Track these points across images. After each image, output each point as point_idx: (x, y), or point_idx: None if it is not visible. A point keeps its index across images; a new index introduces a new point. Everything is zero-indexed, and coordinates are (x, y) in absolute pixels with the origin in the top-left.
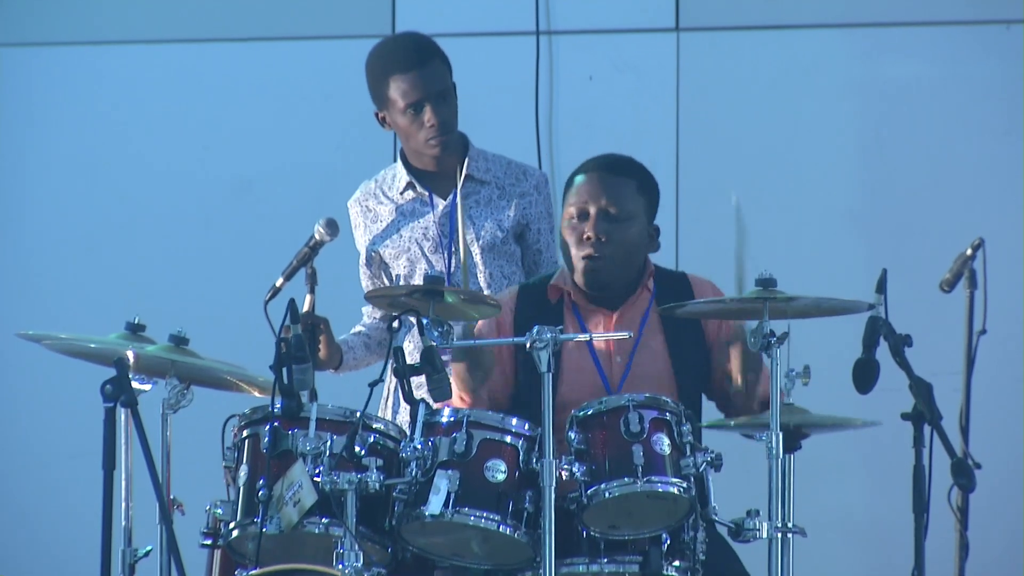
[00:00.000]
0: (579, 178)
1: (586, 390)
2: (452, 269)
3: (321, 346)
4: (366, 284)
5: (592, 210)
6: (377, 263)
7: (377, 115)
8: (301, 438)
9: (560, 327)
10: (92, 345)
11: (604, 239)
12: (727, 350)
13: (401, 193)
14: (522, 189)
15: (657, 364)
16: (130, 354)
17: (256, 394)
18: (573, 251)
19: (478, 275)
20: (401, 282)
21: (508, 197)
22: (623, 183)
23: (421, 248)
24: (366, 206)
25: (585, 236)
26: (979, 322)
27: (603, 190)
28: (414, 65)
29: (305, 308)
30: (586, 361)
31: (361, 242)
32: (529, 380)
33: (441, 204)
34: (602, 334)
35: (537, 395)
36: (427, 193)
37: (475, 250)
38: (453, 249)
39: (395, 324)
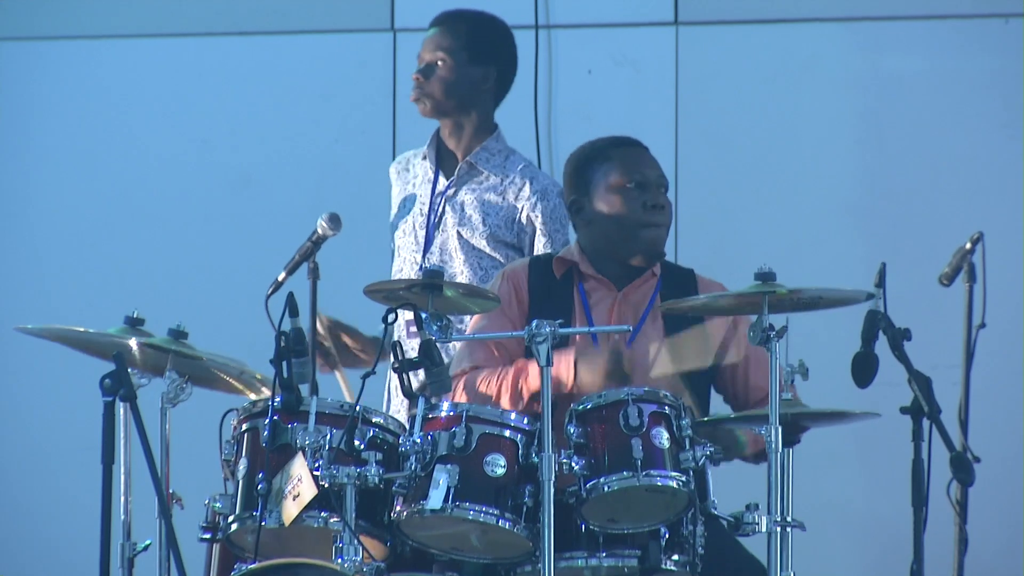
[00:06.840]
0: (619, 150)
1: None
2: (430, 250)
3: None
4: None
5: (652, 178)
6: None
7: None
8: (300, 432)
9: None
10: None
11: (665, 208)
12: (733, 348)
13: (422, 160)
14: (521, 193)
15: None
16: (133, 344)
17: (251, 396)
18: (636, 217)
19: (453, 260)
20: (396, 255)
21: (503, 195)
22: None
23: (414, 221)
24: (404, 166)
25: (656, 204)
26: (978, 316)
27: (652, 164)
28: (430, 25)
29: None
30: (586, 342)
31: (395, 202)
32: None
33: (443, 182)
34: (600, 327)
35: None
36: (434, 168)
37: (454, 233)
38: (436, 230)
39: (390, 317)
